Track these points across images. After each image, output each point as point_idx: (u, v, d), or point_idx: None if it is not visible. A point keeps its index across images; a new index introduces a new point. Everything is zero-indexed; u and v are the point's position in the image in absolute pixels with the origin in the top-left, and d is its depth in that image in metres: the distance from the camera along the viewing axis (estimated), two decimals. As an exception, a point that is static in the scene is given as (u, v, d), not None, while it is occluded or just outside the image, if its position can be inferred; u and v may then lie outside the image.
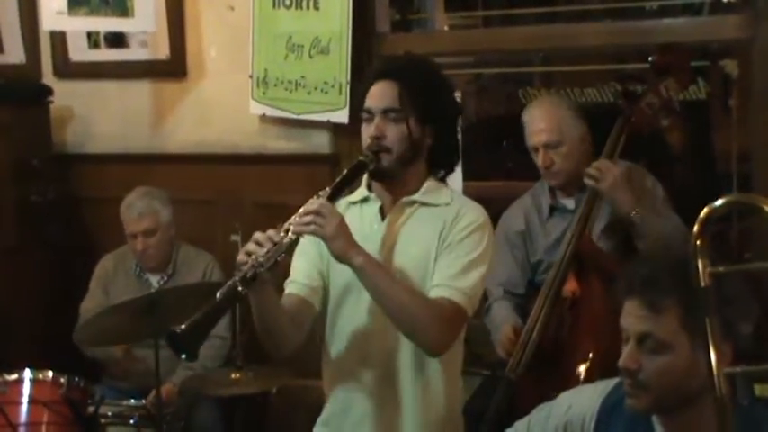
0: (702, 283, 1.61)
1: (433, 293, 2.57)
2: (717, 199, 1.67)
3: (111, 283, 4.27)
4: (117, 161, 4.76)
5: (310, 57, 4.23)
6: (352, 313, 2.66)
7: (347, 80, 4.13)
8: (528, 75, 6.18)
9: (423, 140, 2.63)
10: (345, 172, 2.59)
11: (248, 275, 2.38)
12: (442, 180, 2.75)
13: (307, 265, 2.66)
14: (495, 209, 4.43)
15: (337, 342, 2.71)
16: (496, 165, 5.44)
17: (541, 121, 3.65)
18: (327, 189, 2.53)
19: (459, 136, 2.75)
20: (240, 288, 2.37)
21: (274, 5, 4.29)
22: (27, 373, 3.39)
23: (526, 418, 2.39)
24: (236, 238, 4.33)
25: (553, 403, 2.35)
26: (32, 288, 4.46)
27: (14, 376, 3.40)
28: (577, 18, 5.29)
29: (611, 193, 3.47)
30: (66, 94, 4.77)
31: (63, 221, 4.68)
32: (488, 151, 5.70)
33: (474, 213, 2.64)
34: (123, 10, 4.45)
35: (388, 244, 2.64)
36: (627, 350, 2.05)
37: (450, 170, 2.76)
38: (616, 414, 2.16)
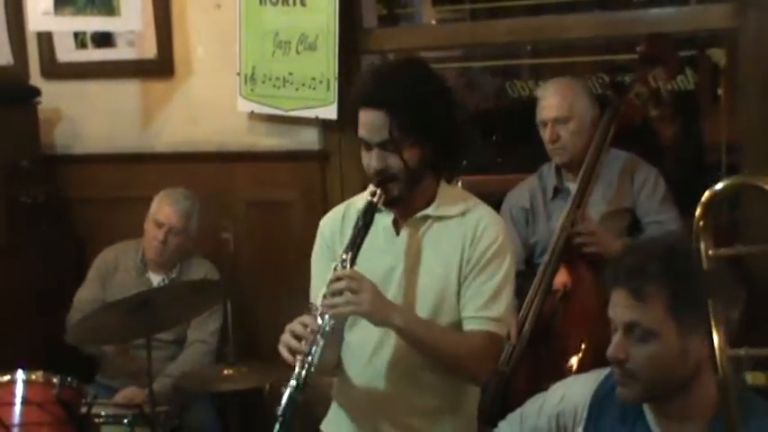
0: (705, 266, 1.60)
1: (468, 326, 2.57)
2: (705, 188, 1.66)
3: (110, 276, 4.25)
4: (105, 161, 4.74)
5: (297, 53, 4.22)
6: (365, 325, 2.60)
7: (335, 76, 4.13)
8: (516, 67, 6.20)
9: (424, 159, 2.54)
10: (359, 223, 2.52)
11: (302, 381, 2.39)
12: (451, 179, 2.70)
13: None
14: (485, 203, 4.45)
15: (349, 352, 2.70)
16: (486, 159, 5.43)
17: (554, 96, 3.67)
18: (348, 253, 2.47)
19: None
20: (300, 398, 2.39)
21: (261, 2, 4.27)
22: (19, 374, 3.38)
23: (519, 410, 2.40)
24: (226, 235, 4.33)
25: (546, 394, 2.36)
26: (23, 289, 4.44)
27: (7, 377, 3.38)
28: (564, 9, 5.29)
29: (610, 249, 3.43)
30: (53, 95, 4.74)
31: (53, 222, 4.66)
32: (477, 145, 5.70)
33: (493, 230, 2.59)
34: (110, 9, 4.43)
35: (410, 263, 2.60)
36: (615, 340, 2.06)
37: (458, 170, 2.72)
38: (608, 403, 2.17)
